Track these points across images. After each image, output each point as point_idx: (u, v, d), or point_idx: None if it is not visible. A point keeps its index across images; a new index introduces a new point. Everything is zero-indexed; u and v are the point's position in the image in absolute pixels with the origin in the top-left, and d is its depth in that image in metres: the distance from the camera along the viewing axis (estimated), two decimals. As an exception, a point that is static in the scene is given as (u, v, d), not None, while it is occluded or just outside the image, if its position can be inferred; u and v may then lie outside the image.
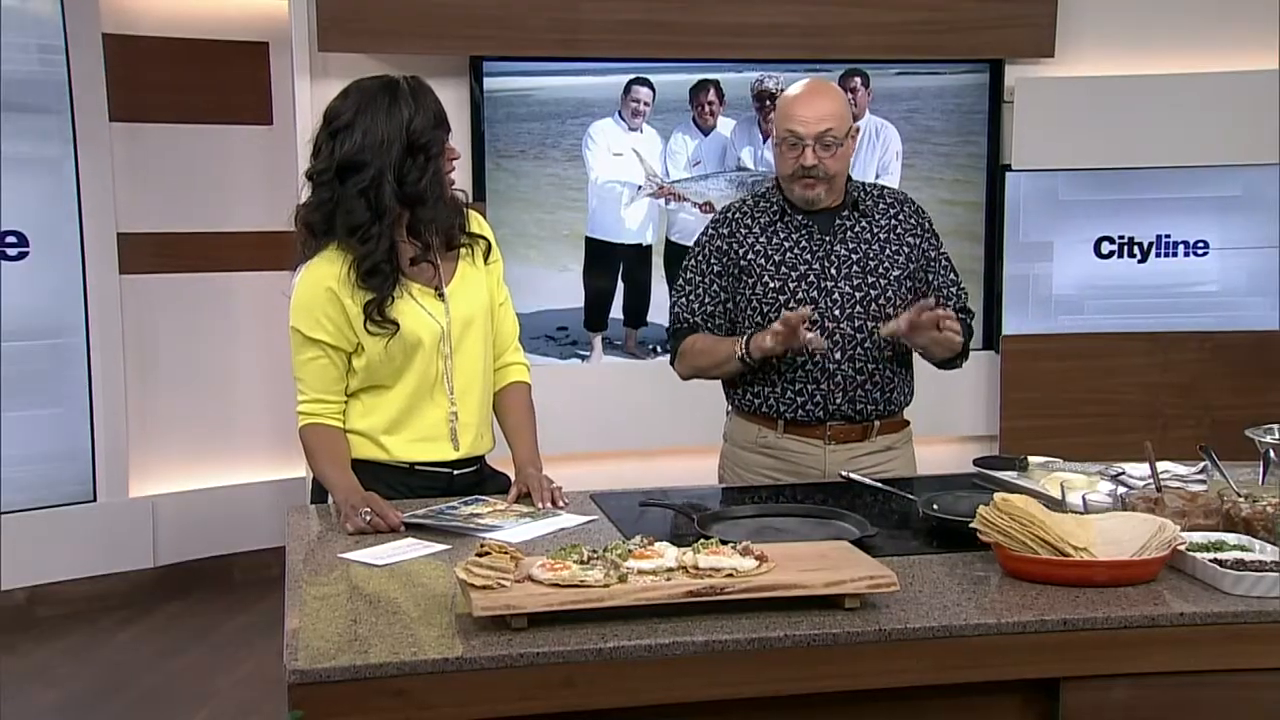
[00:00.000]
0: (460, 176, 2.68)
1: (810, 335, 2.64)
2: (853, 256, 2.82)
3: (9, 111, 4.44)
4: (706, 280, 2.88)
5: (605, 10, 4.37)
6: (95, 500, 4.73)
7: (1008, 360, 4.76)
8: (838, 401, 2.81)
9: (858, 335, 2.80)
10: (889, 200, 2.91)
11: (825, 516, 2.33)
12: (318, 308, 2.44)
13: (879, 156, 4.69)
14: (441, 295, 2.52)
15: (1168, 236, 4.74)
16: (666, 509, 2.42)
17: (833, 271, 2.80)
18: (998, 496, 2.07)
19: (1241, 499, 2.21)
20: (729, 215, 2.92)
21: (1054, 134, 4.60)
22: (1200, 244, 4.74)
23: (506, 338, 2.68)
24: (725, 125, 4.62)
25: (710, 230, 2.93)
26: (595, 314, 4.65)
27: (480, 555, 1.87)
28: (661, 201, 4.63)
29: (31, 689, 3.99)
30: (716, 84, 4.58)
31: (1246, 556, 2.02)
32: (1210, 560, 1.99)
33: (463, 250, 2.56)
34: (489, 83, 4.43)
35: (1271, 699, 1.93)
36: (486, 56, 4.39)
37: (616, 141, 4.57)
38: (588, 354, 4.67)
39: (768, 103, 4.60)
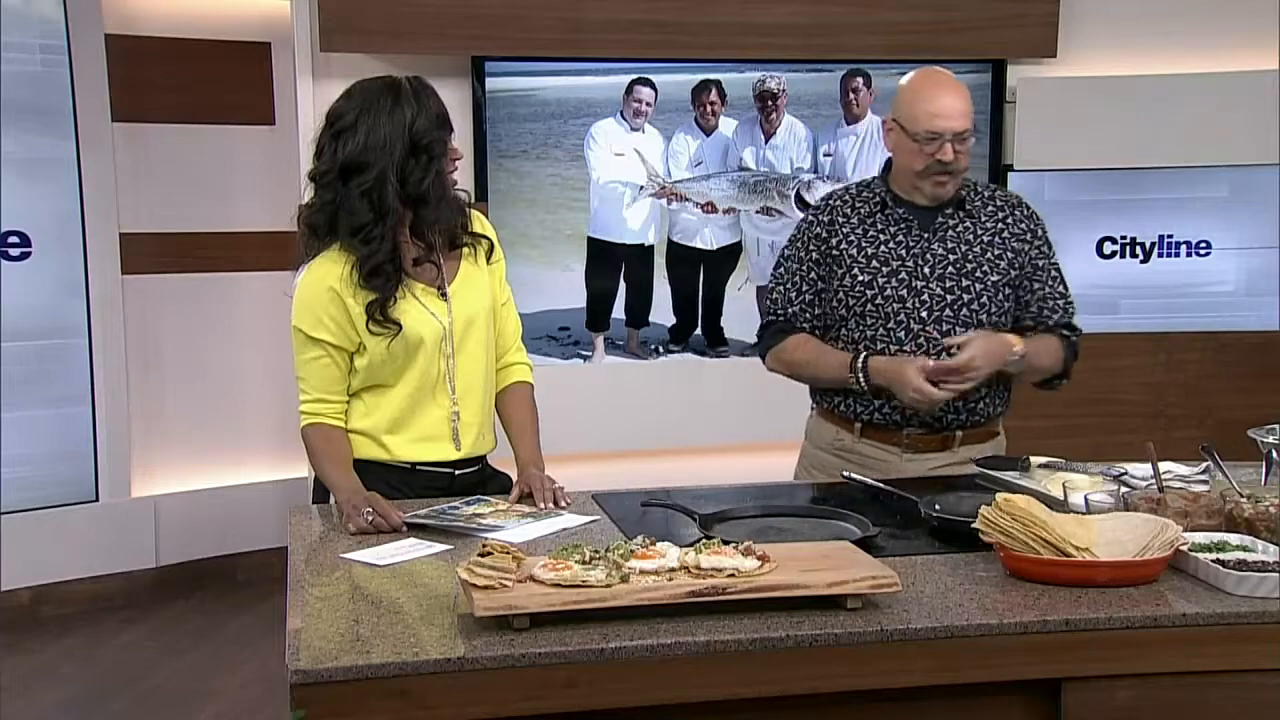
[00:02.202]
0: (462, 176, 2.69)
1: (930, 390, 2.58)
2: (950, 257, 2.73)
3: (11, 111, 4.45)
4: (804, 269, 2.81)
5: (607, 10, 4.37)
6: (98, 500, 4.74)
7: (1010, 360, 4.76)
8: (920, 410, 2.72)
9: (944, 341, 2.71)
10: (999, 201, 2.82)
11: (827, 516, 2.33)
12: (320, 307, 2.44)
13: (882, 157, 4.68)
14: (444, 295, 2.52)
15: (1170, 237, 4.74)
16: (668, 509, 2.42)
17: (925, 271, 2.73)
18: (1000, 497, 2.07)
19: (1244, 499, 2.21)
20: (829, 202, 2.84)
21: (1056, 134, 4.60)
22: (1203, 244, 4.73)
23: (509, 337, 2.68)
24: (727, 125, 4.62)
25: (809, 217, 2.86)
26: (597, 314, 4.65)
27: (482, 555, 1.87)
28: (663, 202, 4.63)
29: (35, 688, 3.99)
30: (718, 84, 4.58)
31: (1249, 557, 2.02)
32: (1213, 561, 1.99)
33: (465, 250, 2.56)
34: (491, 83, 4.43)
35: (1274, 700, 1.93)
36: (489, 56, 4.40)
37: (618, 141, 4.57)
38: (590, 354, 4.67)
39: (769, 103, 4.60)
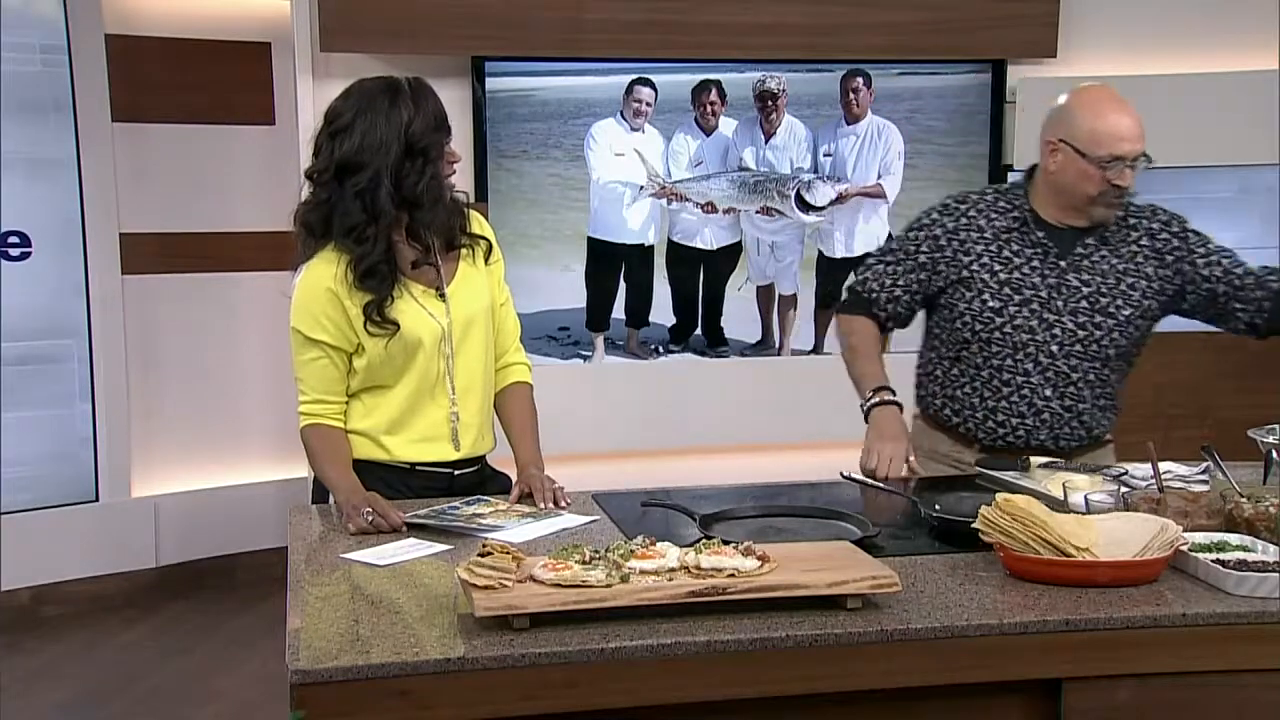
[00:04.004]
0: (462, 177, 2.68)
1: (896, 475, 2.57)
2: (1084, 290, 2.65)
3: (12, 111, 4.45)
4: (907, 263, 2.74)
5: (607, 10, 4.37)
6: (98, 500, 4.74)
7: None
8: (1041, 437, 2.70)
9: (1071, 374, 2.67)
10: (1131, 222, 2.71)
11: (827, 516, 2.33)
12: (318, 308, 2.44)
13: (881, 157, 4.69)
14: (442, 295, 2.52)
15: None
16: (668, 509, 2.42)
17: (1059, 305, 2.65)
18: (1000, 497, 2.07)
19: (1244, 499, 2.21)
20: (963, 208, 2.73)
21: (1057, 134, 4.59)
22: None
23: (508, 337, 2.68)
24: (727, 125, 4.62)
25: (936, 214, 2.76)
26: (597, 314, 4.65)
27: (482, 555, 1.87)
28: (663, 202, 4.63)
29: (37, 688, 3.99)
30: (718, 84, 4.58)
31: (1249, 557, 2.02)
32: (1213, 561, 1.99)
33: (464, 251, 2.56)
34: (491, 83, 4.43)
35: (1274, 700, 1.93)
36: (489, 57, 4.40)
37: (618, 142, 4.57)
38: (590, 354, 4.67)
39: (769, 103, 4.60)
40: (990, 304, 2.68)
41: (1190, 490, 2.31)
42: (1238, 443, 2.58)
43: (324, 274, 2.44)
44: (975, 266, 2.69)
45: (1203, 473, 2.48)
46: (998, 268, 2.68)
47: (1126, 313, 2.67)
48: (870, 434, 2.69)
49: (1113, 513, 2.16)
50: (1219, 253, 2.73)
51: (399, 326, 2.45)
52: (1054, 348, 2.67)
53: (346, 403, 2.53)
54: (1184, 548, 2.03)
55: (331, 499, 2.49)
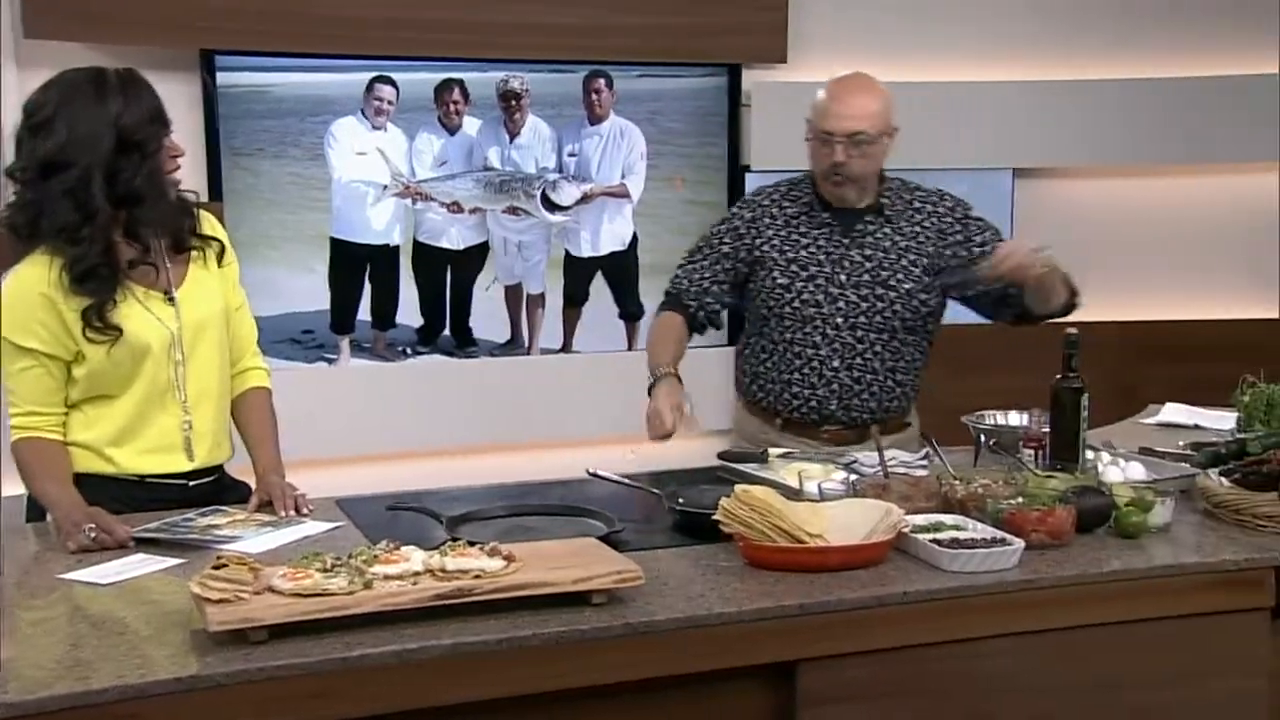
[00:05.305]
0: (194, 175, 2.57)
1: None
2: (866, 264, 2.80)
3: None
4: (712, 256, 2.86)
5: (343, 6, 4.27)
6: None
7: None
8: (832, 407, 2.83)
9: (858, 345, 2.81)
10: (918, 204, 2.87)
11: (574, 514, 2.36)
12: (29, 314, 2.29)
13: (624, 157, 4.77)
14: (171, 299, 2.41)
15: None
16: (416, 513, 2.39)
17: (842, 278, 2.80)
18: (738, 488, 2.14)
19: (957, 482, 2.36)
20: (757, 199, 2.91)
21: (790, 136, 4.69)
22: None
23: (244, 342, 2.59)
24: (471, 125, 4.59)
25: (735, 209, 2.92)
26: (342, 316, 4.54)
27: (216, 568, 1.81)
28: (408, 201, 4.56)
29: None
30: (461, 83, 4.54)
31: (961, 535, 2.15)
32: (930, 540, 2.11)
33: (194, 253, 2.45)
34: (222, 77, 4.25)
35: (990, 666, 2.07)
36: (218, 50, 4.22)
37: (360, 140, 4.47)
38: (335, 357, 4.56)
39: (512, 102, 4.60)
40: (780, 281, 2.83)
41: (912, 475, 2.45)
42: (953, 429, 2.75)
43: (36, 278, 2.28)
44: (767, 248, 2.85)
45: (923, 458, 2.63)
46: (787, 248, 2.85)
47: (907, 286, 2.83)
48: (648, 407, 2.73)
49: (843, 499, 2.27)
50: (995, 242, 2.88)
51: (122, 332, 2.32)
52: (839, 320, 2.82)
53: (66, 414, 2.38)
54: (906, 530, 2.15)
55: (50, 517, 2.34)
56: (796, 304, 2.83)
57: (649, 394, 2.77)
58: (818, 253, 2.83)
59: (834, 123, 2.73)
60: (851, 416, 2.86)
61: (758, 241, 2.86)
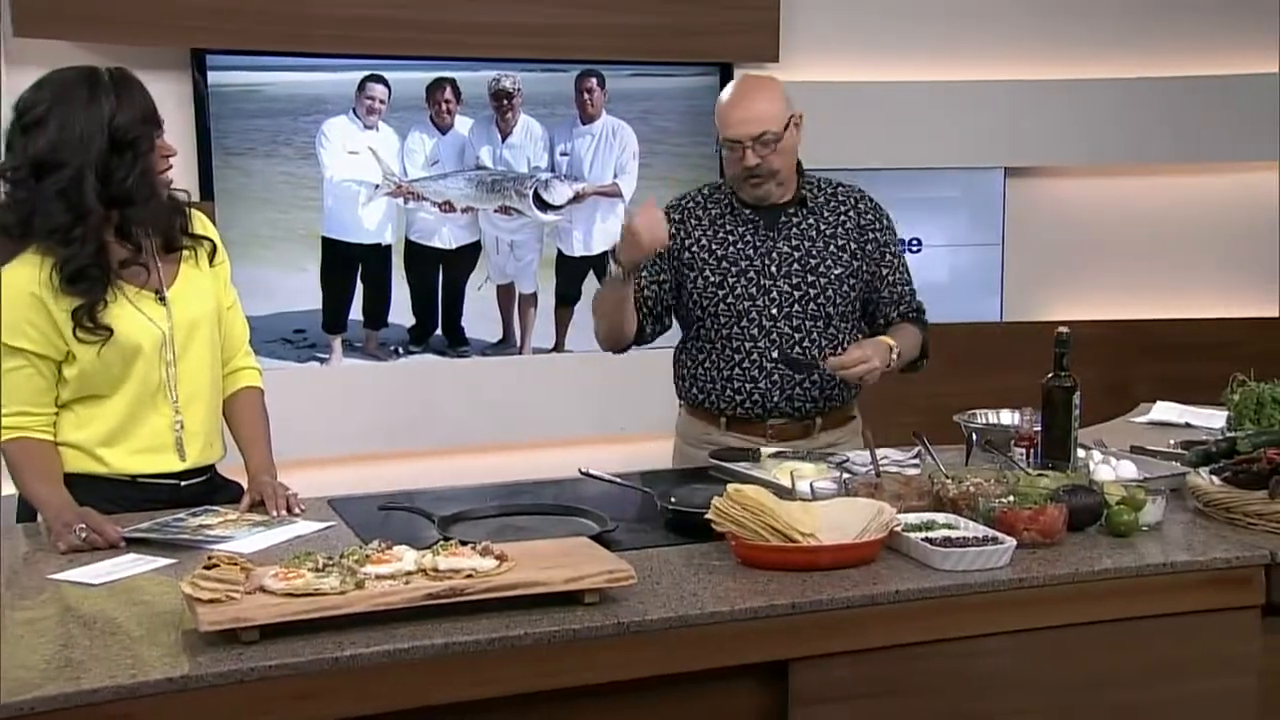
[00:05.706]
0: (186, 175, 2.57)
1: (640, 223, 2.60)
2: (794, 254, 2.84)
3: None
4: (646, 260, 2.83)
5: (334, 6, 4.27)
6: None
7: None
8: (775, 399, 2.84)
9: (795, 334, 2.82)
10: (841, 196, 2.92)
11: (566, 513, 2.35)
12: (20, 314, 2.28)
13: (616, 156, 4.77)
14: (163, 299, 2.40)
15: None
16: (408, 512, 2.39)
17: (773, 270, 2.83)
18: (730, 487, 2.14)
19: (949, 480, 2.36)
20: (682, 203, 2.93)
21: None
22: (914, 241, 5.02)
23: (236, 341, 2.58)
24: (463, 124, 4.60)
25: (663, 212, 2.85)
26: (334, 315, 4.55)
27: (208, 568, 1.80)
28: (400, 201, 4.56)
29: None
30: (453, 82, 4.55)
31: (953, 534, 2.15)
32: (921, 539, 2.12)
33: (185, 252, 2.45)
34: (214, 77, 4.25)
35: (982, 664, 2.07)
36: (209, 49, 4.22)
37: (352, 139, 4.47)
38: (327, 357, 4.56)
39: (504, 102, 4.60)
40: (712, 279, 2.86)
41: (904, 474, 2.45)
42: (949, 428, 2.75)
43: (26, 278, 2.28)
44: (696, 249, 2.88)
45: (915, 457, 2.64)
46: (715, 246, 2.87)
47: (837, 271, 2.86)
48: (624, 241, 2.68)
49: (835, 498, 2.27)
50: (900, 259, 2.97)
51: (112, 332, 2.31)
52: (774, 310, 2.84)
53: (56, 414, 2.37)
54: (898, 528, 2.15)
55: (40, 517, 2.33)
56: (730, 299, 2.85)
57: (614, 260, 2.73)
58: (745, 248, 2.87)
59: (737, 129, 2.77)
60: (795, 408, 2.87)
61: (687, 243, 2.89)
